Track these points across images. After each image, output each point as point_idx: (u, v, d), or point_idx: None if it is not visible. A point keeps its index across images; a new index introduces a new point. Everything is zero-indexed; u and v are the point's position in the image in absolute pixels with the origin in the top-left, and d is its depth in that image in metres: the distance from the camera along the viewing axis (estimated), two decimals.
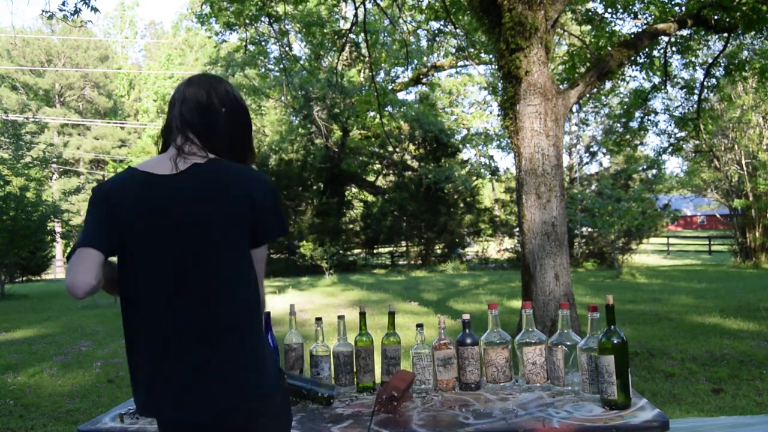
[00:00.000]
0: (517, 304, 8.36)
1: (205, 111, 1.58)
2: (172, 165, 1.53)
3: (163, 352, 1.45)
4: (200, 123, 1.57)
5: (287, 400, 1.59)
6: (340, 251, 20.85)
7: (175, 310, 1.46)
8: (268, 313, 2.41)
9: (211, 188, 1.50)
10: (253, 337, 1.51)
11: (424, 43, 21.53)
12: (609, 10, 9.49)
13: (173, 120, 1.59)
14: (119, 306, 1.55)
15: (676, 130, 17.24)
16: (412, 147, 23.56)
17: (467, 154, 26.63)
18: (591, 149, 23.99)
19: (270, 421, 1.50)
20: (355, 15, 9.61)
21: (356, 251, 24.14)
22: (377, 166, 25.04)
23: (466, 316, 2.29)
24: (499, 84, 9.66)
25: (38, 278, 23.05)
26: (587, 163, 24.45)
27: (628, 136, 15.00)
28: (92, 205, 1.53)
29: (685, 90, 12.54)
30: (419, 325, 2.31)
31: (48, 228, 16.56)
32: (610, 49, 7.46)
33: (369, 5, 10.90)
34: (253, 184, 1.53)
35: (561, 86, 7.77)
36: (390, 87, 22.48)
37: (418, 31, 20.03)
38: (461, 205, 23.59)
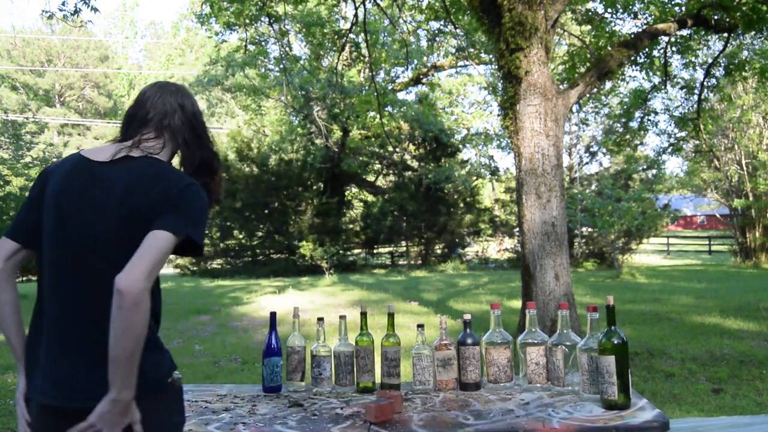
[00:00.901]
0: (517, 304, 8.36)
1: (193, 126, 1.68)
2: (112, 153, 1.54)
3: (53, 338, 1.47)
4: (189, 134, 1.66)
5: (175, 402, 1.53)
6: (340, 251, 20.84)
7: (65, 298, 1.47)
8: (274, 313, 2.42)
9: (127, 184, 1.47)
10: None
11: (424, 43, 21.52)
12: (609, 10, 9.50)
13: (167, 124, 1.64)
14: None
15: (676, 130, 17.26)
16: (412, 147, 23.54)
17: (467, 154, 26.60)
18: (591, 149, 23.96)
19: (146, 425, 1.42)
20: (355, 15, 9.61)
21: (356, 251, 24.09)
22: (377, 166, 25.00)
23: (467, 316, 2.29)
24: (499, 84, 9.67)
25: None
26: (587, 163, 24.42)
27: (628, 136, 15.02)
28: (33, 184, 1.60)
29: (685, 90, 12.55)
30: (420, 326, 2.31)
31: None
32: (610, 49, 7.47)
33: (369, 5, 10.90)
34: (163, 185, 1.47)
35: (561, 86, 7.77)
36: (390, 87, 22.46)
37: (418, 31, 20.02)
38: (461, 205, 23.57)
